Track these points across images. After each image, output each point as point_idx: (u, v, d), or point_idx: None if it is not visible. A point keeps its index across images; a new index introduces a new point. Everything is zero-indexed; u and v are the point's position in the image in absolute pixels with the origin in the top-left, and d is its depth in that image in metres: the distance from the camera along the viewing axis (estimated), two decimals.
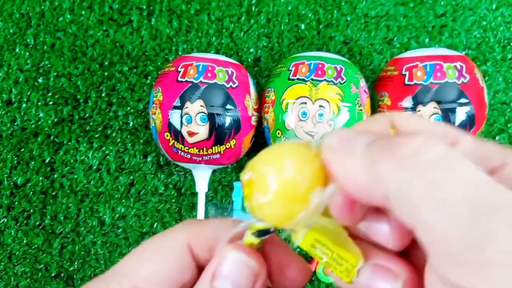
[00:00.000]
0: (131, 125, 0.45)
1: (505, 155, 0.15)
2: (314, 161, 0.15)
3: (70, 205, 0.43)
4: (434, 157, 0.13)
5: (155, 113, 0.37)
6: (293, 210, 0.15)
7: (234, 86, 0.37)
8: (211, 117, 0.35)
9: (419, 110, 0.35)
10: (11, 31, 0.47)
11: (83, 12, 0.47)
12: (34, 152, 0.44)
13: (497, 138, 0.43)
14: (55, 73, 0.46)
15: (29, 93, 0.45)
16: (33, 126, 0.45)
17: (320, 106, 0.35)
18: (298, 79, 0.36)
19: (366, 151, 0.14)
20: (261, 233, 0.17)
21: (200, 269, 0.18)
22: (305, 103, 0.35)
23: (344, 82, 0.36)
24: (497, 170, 0.14)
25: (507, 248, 0.11)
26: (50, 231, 0.43)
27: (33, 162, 0.44)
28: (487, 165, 0.14)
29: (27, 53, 0.46)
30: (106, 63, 0.46)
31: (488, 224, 0.11)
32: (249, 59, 0.46)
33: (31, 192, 0.44)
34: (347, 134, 0.15)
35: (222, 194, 0.43)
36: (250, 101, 0.38)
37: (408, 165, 0.13)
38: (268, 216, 0.16)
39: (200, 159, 0.37)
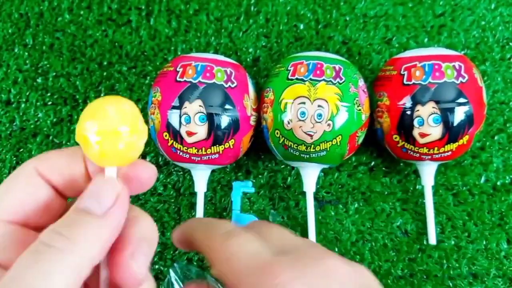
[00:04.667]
0: None
1: None
2: None
3: None
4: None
5: (153, 113, 0.37)
6: None
7: (232, 86, 0.37)
8: (209, 117, 0.35)
9: (418, 110, 0.35)
10: (10, 31, 0.47)
11: (82, 12, 0.47)
12: (33, 153, 0.44)
13: (495, 138, 0.43)
14: (54, 73, 0.46)
15: (28, 93, 0.45)
16: (32, 126, 0.45)
17: (319, 106, 0.35)
18: (296, 79, 0.36)
19: None
20: None
21: (58, 193, 0.20)
22: (303, 103, 0.35)
23: (343, 82, 0.36)
24: None
25: None
26: None
27: None
28: None
29: (26, 53, 0.46)
30: (105, 63, 0.46)
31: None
32: (248, 59, 0.46)
33: None
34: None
35: (221, 194, 0.43)
36: (249, 101, 0.38)
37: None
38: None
39: (199, 159, 0.37)
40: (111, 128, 0.18)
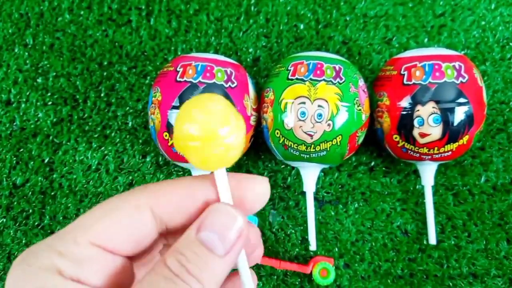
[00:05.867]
0: (130, 125, 0.45)
1: None
2: None
3: (69, 205, 0.43)
4: None
5: (154, 113, 0.37)
6: None
7: (233, 86, 0.37)
8: None
9: (418, 110, 0.36)
10: (10, 31, 0.47)
11: (82, 12, 0.47)
12: (33, 152, 0.44)
13: (496, 138, 0.43)
14: (54, 73, 0.46)
15: (28, 93, 0.45)
16: (32, 126, 0.45)
17: (319, 106, 0.35)
18: (297, 79, 0.36)
19: None
20: None
21: (167, 229, 0.19)
22: (304, 103, 0.35)
23: (343, 82, 0.36)
24: None
25: None
26: (49, 231, 0.43)
27: (32, 162, 0.44)
28: None
29: (26, 53, 0.46)
30: (105, 63, 0.46)
31: None
32: (248, 59, 0.46)
33: (30, 192, 0.44)
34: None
35: None
36: (249, 101, 0.38)
37: None
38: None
39: None
40: (208, 132, 0.18)
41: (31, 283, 0.16)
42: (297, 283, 0.41)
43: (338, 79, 0.36)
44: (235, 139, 0.18)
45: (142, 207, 0.18)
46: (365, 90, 0.38)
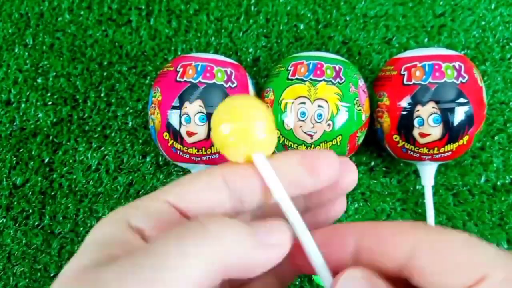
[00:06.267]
0: (130, 125, 0.45)
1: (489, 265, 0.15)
2: None
3: (69, 205, 0.43)
4: None
5: (153, 113, 0.37)
6: None
7: (233, 86, 0.37)
8: (210, 117, 0.35)
9: (418, 110, 0.35)
10: (10, 31, 0.47)
11: (82, 12, 0.47)
12: (33, 152, 0.44)
13: (496, 138, 0.43)
14: (54, 73, 0.46)
15: (28, 93, 0.45)
16: (32, 126, 0.45)
17: (319, 106, 0.35)
18: (297, 79, 0.36)
19: None
20: None
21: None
22: (304, 103, 0.35)
23: (343, 82, 0.36)
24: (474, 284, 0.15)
25: None
26: (49, 231, 0.43)
27: (32, 162, 0.44)
28: (465, 277, 0.16)
29: (26, 53, 0.46)
30: (105, 63, 0.46)
31: None
32: (248, 59, 0.46)
33: (30, 192, 0.44)
34: None
35: None
36: None
37: None
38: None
39: (199, 159, 0.37)
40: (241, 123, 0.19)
41: (101, 231, 0.18)
42: (297, 283, 0.41)
43: (338, 79, 0.36)
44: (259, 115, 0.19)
45: (214, 174, 0.19)
46: (365, 90, 0.38)
